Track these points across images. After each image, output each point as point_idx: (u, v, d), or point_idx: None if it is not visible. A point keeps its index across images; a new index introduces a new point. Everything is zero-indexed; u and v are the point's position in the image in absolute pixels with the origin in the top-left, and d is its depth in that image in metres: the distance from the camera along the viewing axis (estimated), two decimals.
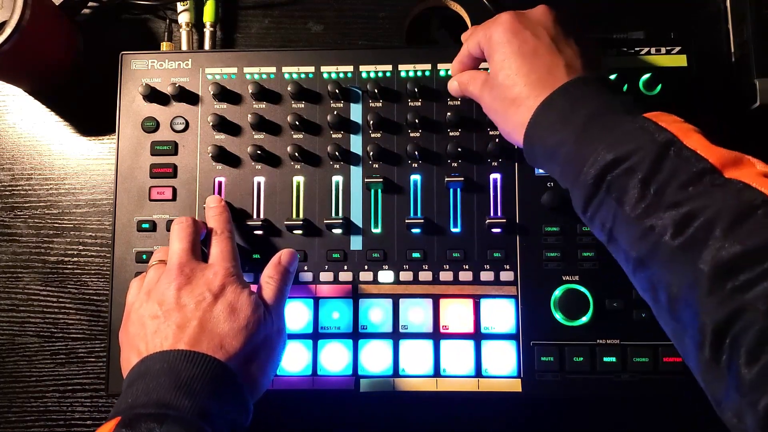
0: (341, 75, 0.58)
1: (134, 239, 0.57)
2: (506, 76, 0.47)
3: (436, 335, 0.55)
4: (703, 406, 0.37)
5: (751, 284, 0.33)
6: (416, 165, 0.57)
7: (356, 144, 0.57)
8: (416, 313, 0.55)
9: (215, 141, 0.58)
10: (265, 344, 0.48)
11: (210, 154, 0.57)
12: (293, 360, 0.55)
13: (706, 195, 0.37)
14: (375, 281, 0.56)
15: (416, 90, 0.56)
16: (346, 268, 0.56)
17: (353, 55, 0.58)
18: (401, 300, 0.55)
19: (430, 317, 0.55)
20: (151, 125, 0.58)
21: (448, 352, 0.54)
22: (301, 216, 0.57)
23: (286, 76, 0.58)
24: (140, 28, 0.69)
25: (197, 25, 0.67)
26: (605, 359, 0.53)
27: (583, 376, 0.54)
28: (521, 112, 0.47)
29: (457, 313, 0.55)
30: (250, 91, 0.57)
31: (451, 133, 0.57)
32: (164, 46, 0.66)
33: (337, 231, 0.56)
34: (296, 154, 0.56)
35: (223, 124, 0.57)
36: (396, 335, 0.55)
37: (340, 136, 0.57)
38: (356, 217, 0.57)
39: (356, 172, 0.57)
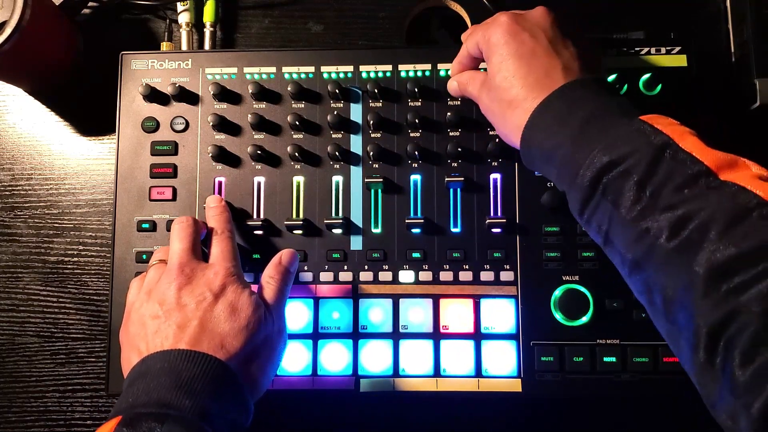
0: (341, 75, 0.58)
1: (134, 239, 0.57)
2: (503, 78, 0.47)
3: (436, 335, 0.55)
4: (702, 406, 0.37)
5: (745, 286, 0.33)
6: (416, 165, 0.57)
7: (356, 144, 0.57)
8: (416, 313, 0.55)
9: (215, 141, 0.58)
10: (266, 344, 0.48)
11: (210, 154, 0.57)
12: (293, 360, 0.55)
13: (701, 197, 0.37)
14: (375, 281, 0.56)
15: (416, 90, 0.56)
16: (346, 268, 0.56)
17: (353, 55, 0.58)
18: (401, 300, 0.55)
19: (430, 317, 0.55)
20: (151, 125, 0.58)
21: (448, 352, 0.54)
22: (301, 216, 0.57)
23: (286, 76, 0.58)
24: (140, 28, 0.69)
25: (197, 25, 0.67)
26: (605, 359, 0.53)
27: (583, 376, 0.54)
28: (518, 114, 0.47)
29: (457, 313, 0.55)
30: (250, 91, 0.57)
31: (451, 133, 0.57)
32: (164, 46, 0.66)
33: (337, 231, 0.56)
34: (296, 154, 0.56)
35: (223, 124, 0.57)
36: (396, 335, 0.55)
37: (340, 136, 0.58)
38: (356, 217, 0.57)
39: (356, 172, 0.57)
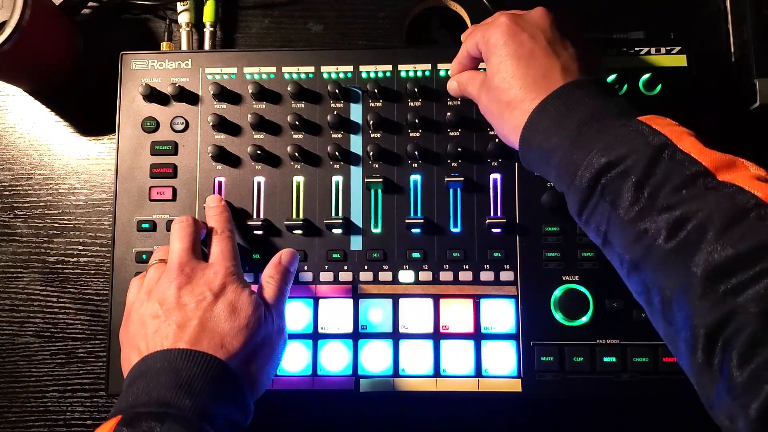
0: (341, 75, 0.58)
1: (134, 239, 0.57)
2: (502, 79, 0.47)
3: (436, 335, 0.55)
4: (702, 406, 0.37)
5: (743, 287, 0.33)
6: (416, 165, 0.57)
7: (356, 144, 0.57)
8: (416, 313, 0.55)
9: (215, 141, 0.58)
10: (266, 343, 0.48)
11: (210, 154, 0.57)
12: (293, 360, 0.55)
13: (699, 198, 0.37)
14: (375, 281, 0.56)
15: (416, 90, 0.56)
16: (346, 268, 0.56)
17: (353, 55, 0.58)
18: (401, 300, 0.55)
19: (430, 317, 0.55)
20: (151, 125, 0.58)
21: (448, 352, 0.54)
22: (301, 216, 0.57)
23: (286, 76, 0.58)
24: (140, 28, 0.69)
25: (197, 25, 0.67)
26: (605, 359, 0.53)
27: (583, 376, 0.54)
28: (517, 115, 0.47)
29: (457, 313, 0.55)
30: (250, 91, 0.57)
31: (451, 133, 0.57)
32: (164, 46, 0.66)
33: (337, 231, 0.56)
34: (296, 154, 0.56)
35: (223, 124, 0.57)
36: (396, 335, 0.55)
37: (340, 136, 0.58)
38: (356, 217, 0.57)
39: (356, 172, 0.57)
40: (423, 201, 0.57)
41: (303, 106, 0.58)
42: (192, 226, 0.51)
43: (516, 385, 0.54)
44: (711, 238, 0.35)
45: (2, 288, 0.65)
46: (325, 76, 0.58)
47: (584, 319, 0.54)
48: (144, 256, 0.56)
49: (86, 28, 0.68)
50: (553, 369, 0.54)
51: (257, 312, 0.48)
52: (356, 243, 0.56)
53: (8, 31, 0.56)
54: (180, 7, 0.66)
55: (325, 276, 0.56)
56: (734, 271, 0.34)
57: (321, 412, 0.61)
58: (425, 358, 0.54)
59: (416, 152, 0.56)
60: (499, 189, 0.56)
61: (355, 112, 0.58)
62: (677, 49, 0.57)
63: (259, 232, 0.57)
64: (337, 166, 0.57)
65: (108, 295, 0.59)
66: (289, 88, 0.57)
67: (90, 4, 0.68)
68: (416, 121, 0.56)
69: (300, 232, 0.56)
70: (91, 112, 0.67)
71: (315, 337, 0.55)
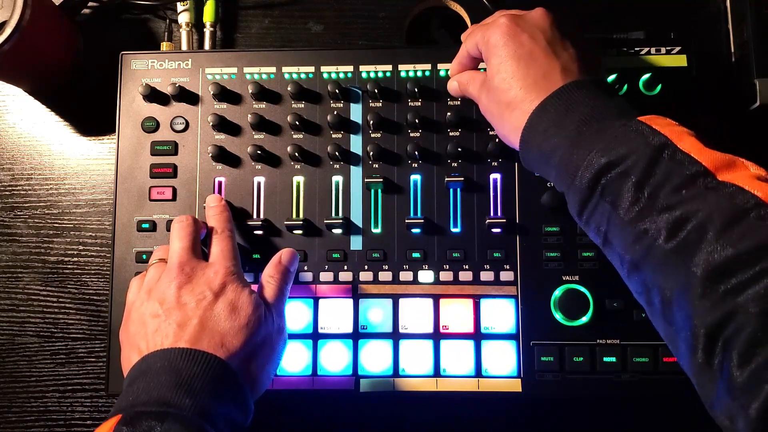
0: (341, 75, 0.58)
1: (134, 239, 0.57)
2: (502, 80, 0.47)
3: (436, 335, 0.55)
4: (702, 406, 0.37)
5: (743, 287, 0.33)
6: (416, 165, 0.57)
7: (356, 144, 0.57)
8: (416, 313, 0.55)
9: (215, 141, 0.58)
10: (266, 343, 0.48)
11: (210, 154, 0.57)
12: (293, 360, 0.55)
13: (699, 198, 0.37)
14: (375, 281, 0.56)
15: (416, 90, 0.56)
16: (346, 268, 0.56)
17: (353, 55, 0.58)
18: (401, 300, 0.55)
19: (430, 317, 0.55)
20: (151, 125, 0.58)
21: (448, 352, 0.54)
22: (301, 216, 0.57)
23: (286, 76, 0.58)
24: (140, 28, 0.69)
25: (197, 25, 0.67)
26: (605, 359, 0.53)
27: (583, 376, 0.54)
28: (517, 116, 0.47)
29: (457, 313, 0.55)
30: (250, 91, 0.57)
31: (451, 133, 0.57)
32: (164, 46, 0.66)
33: (337, 231, 0.56)
34: (296, 154, 0.56)
35: (223, 124, 0.57)
36: (396, 335, 0.55)
37: (340, 136, 0.58)
38: (356, 217, 0.57)
39: (356, 172, 0.57)
40: (423, 201, 0.57)
41: (303, 106, 0.58)
42: (192, 226, 0.51)
43: (516, 385, 0.54)
44: (711, 238, 0.35)
45: (2, 288, 0.65)
46: (325, 76, 0.58)
47: (584, 319, 0.54)
48: (144, 256, 0.56)
49: (86, 28, 0.68)
50: (553, 369, 0.54)
51: (257, 311, 0.48)
52: (356, 243, 0.56)
53: (8, 31, 0.56)
54: (180, 7, 0.66)
55: (325, 276, 0.56)
56: (734, 271, 0.34)
57: (321, 412, 0.61)
58: (425, 358, 0.54)
59: (416, 152, 0.56)
60: (499, 189, 0.56)
61: (355, 112, 0.58)
62: (677, 49, 0.57)
63: (259, 232, 0.57)
64: (337, 166, 0.57)
65: (108, 295, 0.59)
66: (289, 88, 0.57)
67: (90, 4, 0.68)
68: (416, 121, 0.56)
69: (300, 232, 0.56)
70: (91, 112, 0.67)
71: (315, 337, 0.55)
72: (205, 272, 0.49)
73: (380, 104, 0.58)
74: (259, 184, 0.58)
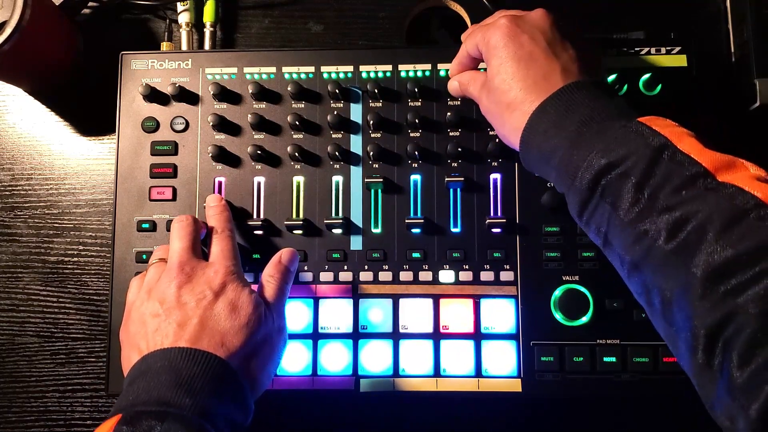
0: (341, 75, 0.58)
1: (134, 239, 0.57)
2: (502, 81, 0.48)
3: (436, 335, 0.55)
4: (702, 406, 0.37)
5: (743, 288, 0.33)
6: (416, 165, 0.57)
7: (356, 144, 0.57)
8: (416, 313, 0.55)
9: (215, 141, 0.58)
10: (266, 342, 0.48)
11: (210, 154, 0.57)
12: (293, 360, 0.55)
13: (699, 199, 0.37)
14: (375, 281, 0.56)
15: (416, 90, 0.56)
16: (346, 268, 0.56)
17: (353, 55, 0.58)
18: (401, 300, 0.55)
19: (430, 317, 0.55)
20: (151, 125, 0.58)
21: (448, 352, 0.54)
22: (301, 216, 0.57)
23: (286, 76, 0.58)
24: (140, 28, 0.69)
25: (197, 25, 0.67)
26: (605, 359, 0.53)
27: (583, 376, 0.54)
28: (517, 116, 0.47)
29: (457, 313, 0.55)
30: (250, 91, 0.57)
31: (451, 133, 0.57)
32: (164, 46, 0.66)
33: (337, 231, 0.56)
34: (296, 154, 0.56)
35: (223, 124, 0.57)
36: (396, 335, 0.55)
37: (340, 136, 0.58)
38: (356, 217, 0.57)
39: (356, 172, 0.57)
40: (423, 201, 0.57)
41: (303, 106, 0.58)
42: (192, 226, 0.51)
43: (516, 385, 0.54)
44: (711, 239, 0.35)
45: (2, 288, 0.65)
46: (325, 76, 0.58)
47: (584, 319, 0.54)
48: (144, 256, 0.56)
49: (86, 28, 0.68)
50: (553, 369, 0.54)
51: (257, 311, 0.48)
52: (356, 243, 0.56)
53: (8, 31, 0.56)
54: (180, 7, 0.66)
55: (325, 276, 0.56)
56: (734, 271, 0.34)
57: (321, 412, 0.61)
58: (425, 358, 0.54)
59: (416, 152, 0.56)
60: (499, 189, 0.56)
61: (355, 112, 0.58)
62: (677, 49, 0.57)
63: (259, 232, 0.57)
64: (337, 166, 0.57)
65: (108, 295, 0.59)
66: (289, 88, 0.57)
67: (90, 4, 0.68)
68: (416, 121, 0.56)
69: (300, 232, 0.56)
70: (91, 112, 0.67)
71: (315, 337, 0.55)
72: (205, 272, 0.49)
73: (380, 104, 0.58)
74: (259, 184, 0.58)
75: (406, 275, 0.56)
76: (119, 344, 0.50)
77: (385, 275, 0.56)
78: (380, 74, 0.58)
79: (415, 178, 0.57)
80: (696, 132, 0.41)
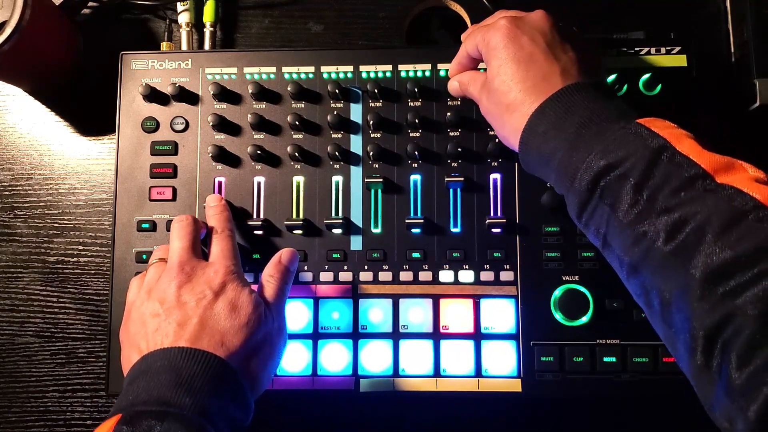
0: (341, 75, 0.58)
1: (134, 239, 0.57)
2: (502, 82, 0.48)
3: (436, 335, 0.55)
4: (702, 407, 0.37)
5: (741, 289, 0.33)
6: (416, 165, 0.57)
7: (356, 144, 0.57)
8: (416, 313, 0.55)
9: (215, 141, 0.58)
10: (266, 342, 0.48)
11: (210, 154, 0.57)
12: (293, 360, 0.55)
13: (698, 200, 0.37)
14: (375, 281, 0.56)
15: (416, 90, 0.56)
16: (346, 268, 0.56)
17: (353, 55, 0.58)
18: (401, 300, 0.55)
19: (430, 317, 0.55)
20: (151, 125, 0.58)
21: (448, 352, 0.54)
22: (301, 216, 0.57)
23: (286, 76, 0.58)
24: (140, 28, 0.69)
25: (197, 25, 0.67)
26: (605, 359, 0.53)
27: (583, 376, 0.54)
28: (516, 118, 0.47)
29: (457, 313, 0.55)
30: (250, 91, 0.57)
31: (451, 133, 0.57)
32: (164, 46, 0.66)
33: (337, 231, 0.56)
34: (296, 154, 0.56)
35: (223, 124, 0.57)
36: (396, 335, 0.55)
37: (340, 136, 0.58)
38: (356, 217, 0.57)
39: (356, 172, 0.57)
40: (423, 201, 0.57)
41: (303, 106, 0.58)
42: (192, 225, 0.51)
43: (516, 385, 0.54)
44: (709, 241, 0.35)
45: (2, 288, 0.65)
46: (325, 76, 0.58)
47: (584, 319, 0.54)
48: (144, 256, 0.56)
49: (86, 28, 0.68)
50: (553, 369, 0.54)
51: (257, 310, 0.48)
52: (356, 243, 0.56)
53: (8, 31, 0.56)
54: (180, 7, 0.66)
55: (325, 276, 0.56)
56: (732, 273, 0.34)
57: (321, 412, 0.61)
58: (425, 358, 0.54)
59: (416, 152, 0.56)
60: (499, 189, 0.56)
61: (355, 112, 0.58)
62: (677, 49, 0.57)
63: (259, 232, 0.57)
64: (337, 166, 0.57)
65: (108, 295, 0.59)
66: (289, 88, 0.57)
67: (90, 4, 0.68)
68: (416, 121, 0.56)
69: (300, 232, 0.56)
70: (91, 112, 0.67)
71: (315, 337, 0.55)
72: (205, 271, 0.49)
73: (380, 104, 0.58)
74: (259, 184, 0.58)
75: (406, 275, 0.56)
76: (119, 344, 0.50)
77: (385, 275, 0.56)
78: (380, 74, 0.58)
79: (415, 178, 0.57)
80: (696, 132, 0.41)
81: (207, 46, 0.66)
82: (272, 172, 0.57)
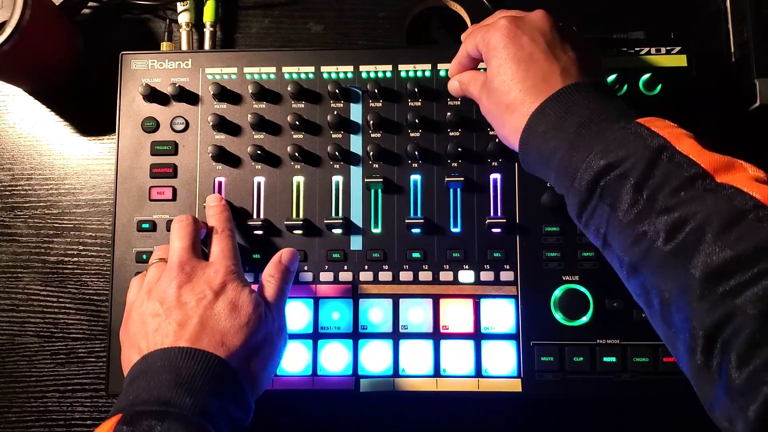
0: (341, 75, 0.58)
1: (134, 239, 0.57)
2: (502, 82, 0.48)
3: (436, 335, 0.55)
4: (702, 407, 0.37)
5: (741, 289, 0.33)
6: (416, 165, 0.57)
7: (356, 144, 0.57)
8: (416, 313, 0.55)
9: (215, 141, 0.58)
10: (266, 342, 0.48)
11: (210, 154, 0.57)
12: (293, 360, 0.55)
13: (698, 200, 0.37)
14: (375, 281, 0.56)
15: (416, 90, 0.56)
16: (346, 268, 0.56)
17: (353, 55, 0.58)
18: (401, 300, 0.55)
19: (430, 317, 0.55)
20: (151, 125, 0.58)
21: (448, 352, 0.54)
22: (301, 216, 0.57)
23: (286, 76, 0.58)
24: (140, 28, 0.69)
25: (197, 25, 0.67)
26: (605, 359, 0.53)
27: (583, 376, 0.54)
28: (516, 118, 0.47)
29: (457, 313, 0.55)
30: (250, 91, 0.57)
31: (451, 133, 0.57)
32: (164, 46, 0.66)
33: (337, 231, 0.56)
34: (296, 154, 0.56)
35: (223, 124, 0.57)
36: (396, 335, 0.55)
37: (340, 136, 0.58)
38: (356, 217, 0.57)
39: (356, 172, 0.57)
40: (423, 201, 0.57)
41: (303, 106, 0.58)
42: (192, 225, 0.51)
43: (516, 385, 0.54)
44: (709, 240, 0.35)
45: (2, 288, 0.65)
46: (325, 76, 0.58)
47: (584, 319, 0.54)
48: (144, 256, 0.56)
49: (86, 28, 0.68)
50: (553, 369, 0.54)
51: (258, 310, 0.48)
52: (356, 243, 0.56)
53: (8, 31, 0.56)
54: (180, 7, 0.66)
55: (325, 276, 0.56)
56: (732, 272, 0.34)
57: (321, 412, 0.61)
58: (425, 358, 0.54)
59: (416, 152, 0.56)
60: (499, 189, 0.56)
61: (355, 112, 0.58)
62: (677, 49, 0.57)
63: (259, 232, 0.57)
64: (337, 166, 0.57)
65: (108, 295, 0.59)
66: (289, 88, 0.57)
67: (90, 4, 0.68)
68: (416, 121, 0.56)
69: (300, 232, 0.56)
70: (91, 112, 0.67)
71: (315, 337, 0.55)
72: (206, 271, 0.49)
73: (380, 104, 0.58)
74: (259, 184, 0.58)
75: (406, 275, 0.56)
76: (119, 344, 0.50)
77: (385, 275, 0.56)
78: (380, 74, 0.58)
79: (415, 178, 0.57)
80: (696, 132, 0.41)
81: (207, 46, 0.66)
82: (272, 172, 0.57)
